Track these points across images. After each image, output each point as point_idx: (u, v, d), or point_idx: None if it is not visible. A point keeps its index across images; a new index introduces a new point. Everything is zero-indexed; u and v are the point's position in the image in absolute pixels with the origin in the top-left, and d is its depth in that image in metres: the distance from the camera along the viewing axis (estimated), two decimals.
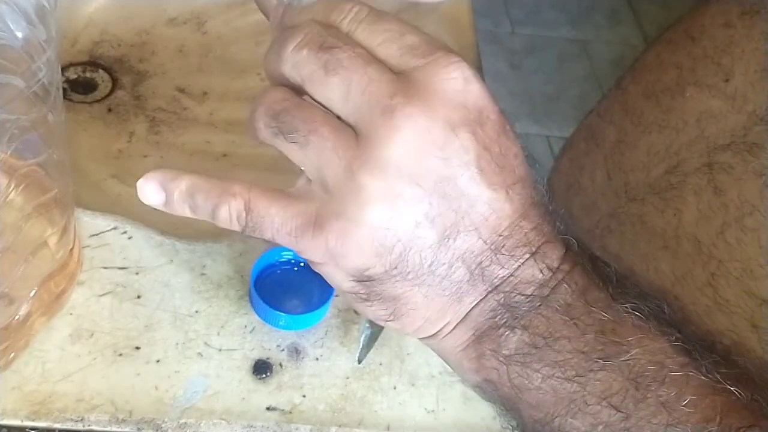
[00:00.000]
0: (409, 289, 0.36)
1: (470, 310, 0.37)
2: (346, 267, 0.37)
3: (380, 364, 0.50)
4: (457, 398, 0.50)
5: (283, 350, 0.50)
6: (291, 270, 0.52)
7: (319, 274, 0.52)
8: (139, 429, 0.46)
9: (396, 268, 0.35)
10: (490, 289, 0.36)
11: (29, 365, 0.47)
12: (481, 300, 0.36)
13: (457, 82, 0.34)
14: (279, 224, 0.37)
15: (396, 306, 0.37)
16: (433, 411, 0.49)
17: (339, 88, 0.35)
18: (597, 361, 0.35)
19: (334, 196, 0.35)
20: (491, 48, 1.84)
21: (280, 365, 0.49)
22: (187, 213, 0.39)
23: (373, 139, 0.34)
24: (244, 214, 0.38)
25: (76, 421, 0.45)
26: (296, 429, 0.47)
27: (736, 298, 0.43)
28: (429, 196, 0.34)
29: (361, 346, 0.49)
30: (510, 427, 0.39)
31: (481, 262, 0.36)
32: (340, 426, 0.48)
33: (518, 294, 0.36)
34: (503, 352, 0.37)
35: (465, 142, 0.34)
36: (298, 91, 0.36)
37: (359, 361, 0.50)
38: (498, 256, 0.36)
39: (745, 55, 0.49)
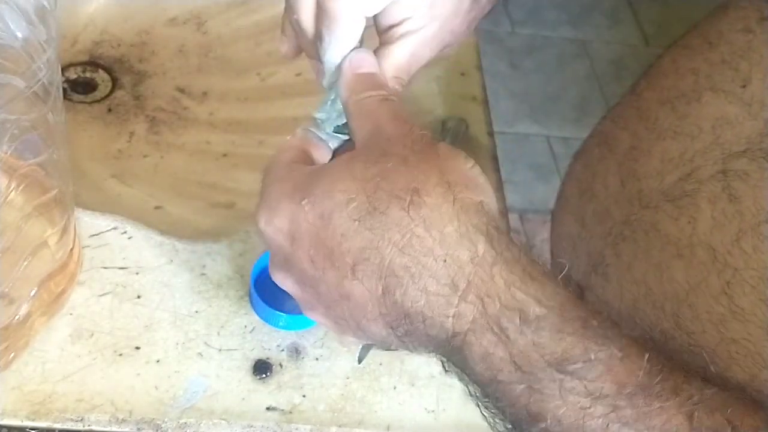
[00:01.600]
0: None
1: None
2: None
3: (380, 364, 0.50)
4: (457, 398, 0.50)
5: (283, 350, 0.50)
6: None
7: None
8: (139, 429, 0.46)
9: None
10: (427, 346, 0.40)
11: (29, 365, 0.47)
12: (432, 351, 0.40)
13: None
14: None
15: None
16: (433, 411, 0.49)
17: None
18: (525, 423, 0.37)
19: None
20: (491, 48, 1.83)
21: (280, 365, 0.49)
22: None
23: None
24: None
25: (76, 421, 0.45)
26: (296, 429, 0.47)
27: (752, 307, 0.42)
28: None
29: (361, 346, 0.49)
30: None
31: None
32: (340, 426, 0.48)
33: (444, 355, 0.39)
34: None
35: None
36: None
37: (359, 361, 0.50)
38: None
39: (764, 61, 0.49)
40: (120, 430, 0.46)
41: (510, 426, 0.38)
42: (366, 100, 0.42)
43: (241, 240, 0.54)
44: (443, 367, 0.40)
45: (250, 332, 0.50)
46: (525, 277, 0.36)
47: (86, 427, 0.45)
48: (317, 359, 0.50)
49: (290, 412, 0.48)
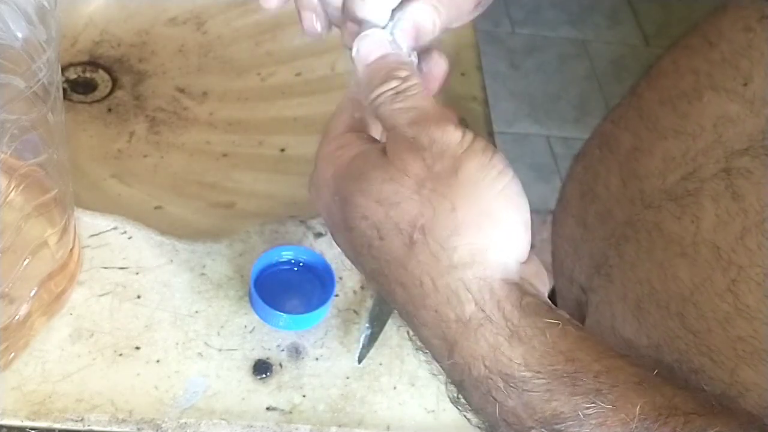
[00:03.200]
0: None
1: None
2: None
3: (380, 364, 0.50)
4: None
5: (283, 350, 0.50)
6: (291, 270, 0.52)
7: (319, 274, 0.52)
8: (139, 429, 0.46)
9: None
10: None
11: (29, 365, 0.47)
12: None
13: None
14: None
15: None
16: (433, 411, 0.49)
17: None
18: None
19: None
20: (491, 48, 1.83)
21: (280, 365, 0.49)
22: None
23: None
24: None
25: (76, 421, 0.45)
26: (296, 429, 0.47)
27: (758, 304, 0.42)
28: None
29: (361, 346, 0.49)
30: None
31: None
32: (340, 426, 0.48)
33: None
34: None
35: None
36: None
37: (359, 361, 0.50)
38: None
39: (765, 59, 0.49)
40: (120, 430, 0.46)
41: None
42: (380, 99, 0.40)
43: (241, 240, 0.54)
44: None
45: (250, 332, 0.50)
46: (513, 340, 0.36)
47: (86, 427, 0.45)
48: (317, 359, 0.50)
49: (290, 412, 0.48)
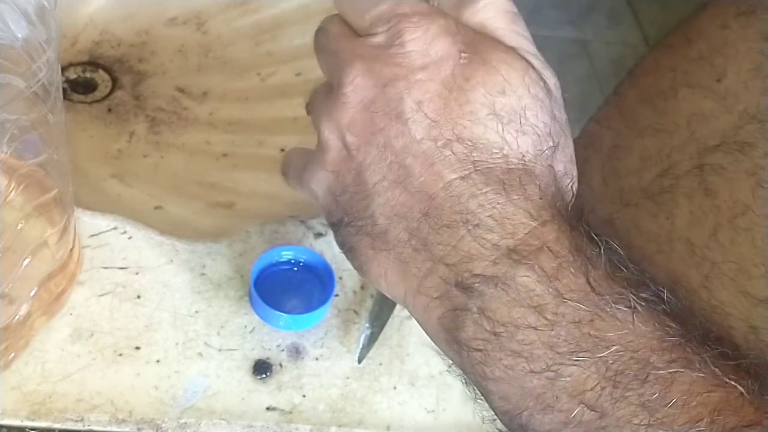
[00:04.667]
0: (358, 240, 0.38)
1: (420, 282, 0.36)
2: (320, 207, 0.41)
3: (380, 364, 0.50)
4: (457, 398, 0.50)
5: (283, 350, 0.50)
6: (291, 270, 0.52)
7: (319, 274, 0.52)
8: (139, 429, 0.46)
9: (348, 215, 0.38)
10: (432, 259, 0.35)
11: (29, 365, 0.47)
12: (427, 272, 0.36)
13: (416, 43, 0.37)
14: None
15: (355, 257, 0.39)
16: (433, 411, 0.49)
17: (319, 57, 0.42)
18: (568, 356, 0.33)
19: None
20: None
21: (280, 365, 0.49)
22: None
23: (332, 97, 0.39)
24: None
25: (76, 421, 0.45)
26: (296, 429, 0.47)
27: (732, 299, 0.43)
28: (365, 146, 0.37)
29: (361, 346, 0.49)
30: (483, 418, 0.38)
31: (417, 227, 0.36)
32: (340, 426, 0.48)
33: (464, 271, 0.35)
34: (461, 335, 0.35)
35: (392, 96, 0.37)
36: None
37: (359, 361, 0.50)
38: (432, 221, 0.35)
39: (739, 55, 0.49)
40: (120, 430, 0.46)
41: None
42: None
43: (241, 240, 0.54)
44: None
45: (250, 332, 0.50)
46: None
47: (86, 427, 0.45)
48: (317, 359, 0.50)
49: (290, 412, 0.48)
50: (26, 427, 0.45)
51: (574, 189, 0.37)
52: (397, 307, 0.51)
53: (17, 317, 0.45)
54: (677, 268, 0.45)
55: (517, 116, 0.36)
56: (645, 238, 0.48)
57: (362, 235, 0.38)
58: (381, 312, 0.50)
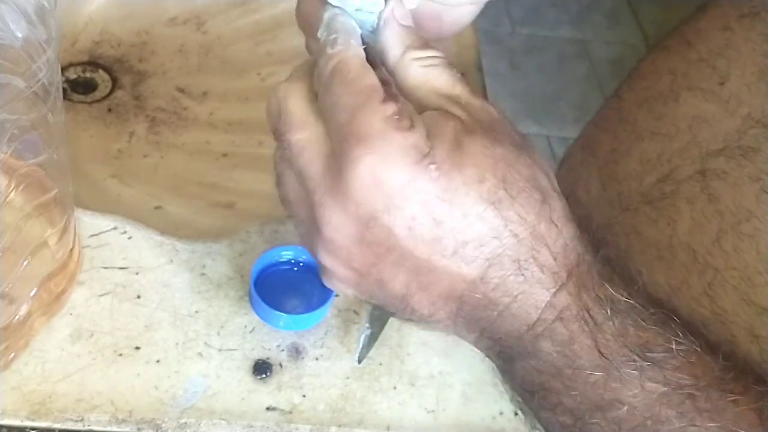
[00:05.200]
0: (407, 320, 0.41)
1: (471, 340, 0.41)
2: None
3: (380, 364, 0.50)
4: (457, 398, 0.50)
5: (283, 350, 0.50)
6: (291, 270, 0.52)
7: (319, 275, 0.52)
8: (139, 429, 0.46)
9: (388, 307, 0.41)
10: (476, 332, 0.39)
11: (29, 365, 0.47)
12: (474, 340, 0.40)
13: (360, 180, 0.36)
14: None
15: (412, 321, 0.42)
16: (433, 411, 0.49)
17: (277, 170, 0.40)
18: (588, 415, 0.38)
19: None
20: (491, 48, 1.83)
21: (280, 365, 0.49)
22: None
23: (316, 233, 0.39)
24: None
25: (76, 421, 0.45)
26: (296, 429, 0.47)
27: (735, 308, 0.43)
28: (375, 268, 0.38)
29: (361, 346, 0.49)
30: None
31: (457, 313, 0.39)
32: (340, 426, 0.48)
33: (504, 345, 0.39)
34: (510, 382, 0.42)
35: (380, 232, 0.37)
36: None
37: (359, 361, 0.50)
38: (467, 309, 0.38)
39: (742, 57, 0.49)
40: (120, 430, 0.46)
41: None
42: (431, 61, 0.38)
43: (241, 240, 0.54)
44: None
45: (250, 332, 0.50)
46: (614, 277, 0.38)
47: (86, 427, 0.45)
48: (317, 359, 0.50)
49: (290, 412, 0.48)
50: (26, 427, 0.45)
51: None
52: None
53: (17, 317, 0.45)
54: (678, 275, 0.45)
55: (503, 191, 0.36)
56: (645, 243, 0.48)
57: (410, 318, 0.41)
58: (381, 312, 0.50)
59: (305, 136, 0.37)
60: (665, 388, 0.36)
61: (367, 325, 0.50)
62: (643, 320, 0.37)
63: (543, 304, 0.37)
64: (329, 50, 0.37)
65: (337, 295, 0.52)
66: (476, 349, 0.42)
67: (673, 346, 0.37)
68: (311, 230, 0.38)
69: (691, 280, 0.45)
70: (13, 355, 0.46)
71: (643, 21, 1.98)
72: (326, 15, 0.38)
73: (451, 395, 0.50)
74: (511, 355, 0.39)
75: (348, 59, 0.37)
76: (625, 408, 0.36)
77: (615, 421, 0.37)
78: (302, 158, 0.37)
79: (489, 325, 0.38)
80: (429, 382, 0.50)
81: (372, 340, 0.50)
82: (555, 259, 0.37)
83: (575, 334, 0.37)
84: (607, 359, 0.37)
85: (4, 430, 0.45)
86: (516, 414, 0.49)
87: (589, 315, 0.37)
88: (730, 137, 0.47)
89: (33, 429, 0.45)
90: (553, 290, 0.37)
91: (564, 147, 1.69)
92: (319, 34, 0.38)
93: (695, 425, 0.36)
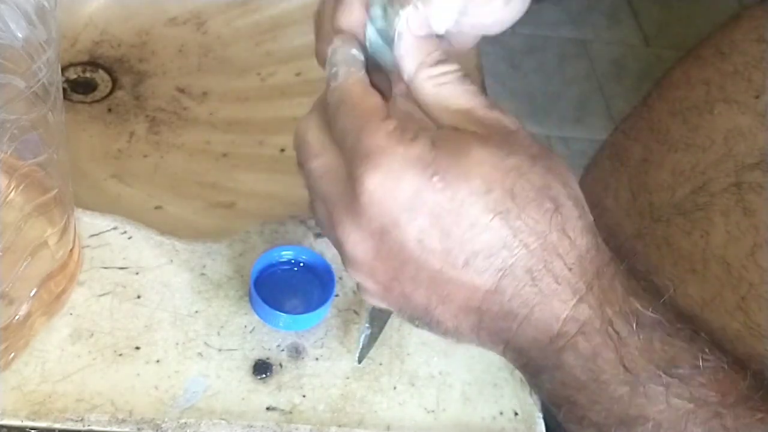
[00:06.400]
0: (433, 331, 0.41)
1: (498, 351, 0.41)
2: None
3: (380, 364, 0.50)
4: (457, 398, 0.50)
5: (283, 350, 0.50)
6: (291, 270, 0.52)
7: (319, 274, 0.52)
8: (139, 429, 0.46)
9: (415, 320, 0.41)
10: (501, 344, 0.39)
11: (29, 365, 0.47)
12: (500, 352, 0.40)
13: (368, 196, 0.37)
14: None
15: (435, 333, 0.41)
16: (433, 411, 0.49)
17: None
18: (616, 427, 0.38)
19: None
20: (491, 48, 1.83)
21: (280, 365, 0.49)
22: None
23: (339, 249, 0.40)
24: None
25: (76, 421, 0.45)
26: (296, 429, 0.47)
27: None
28: (396, 281, 0.39)
29: (361, 346, 0.49)
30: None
31: (479, 324, 0.39)
32: (340, 426, 0.48)
33: (527, 358, 0.39)
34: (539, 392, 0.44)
35: (392, 246, 0.38)
36: None
37: (359, 361, 0.50)
38: (487, 321, 0.39)
39: None
40: (120, 430, 0.46)
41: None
42: (445, 78, 0.39)
43: (241, 240, 0.54)
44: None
45: (250, 332, 0.50)
46: (639, 289, 0.37)
47: (86, 427, 0.45)
48: (317, 359, 0.50)
49: (290, 412, 0.48)
50: (26, 427, 0.45)
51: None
52: None
53: (17, 317, 0.45)
54: (711, 288, 0.45)
55: (511, 202, 0.36)
56: (677, 255, 0.48)
57: (443, 334, 0.41)
58: (381, 312, 0.50)
59: (322, 162, 0.39)
60: (691, 405, 0.36)
61: (367, 325, 0.50)
62: (670, 335, 0.37)
63: (563, 316, 0.37)
64: (333, 83, 0.39)
65: (337, 295, 0.52)
66: (476, 350, 0.42)
67: (700, 363, 0.36)
68: (338, 249, 0.40)
69: (724, 293, 0.44)
70: (13, 355, 0.46)
71: (643, 21, 1.98)
72: (329, 50, 0.40)
73: (451, 395, 0.50)
74: (537, 368, 0.39)
75: (349, 88, 0.38)
76: (651, 424, 0.36)
77: None
78: (322, 183, 0.39)
79: (511, 337, 0.38)
80: (429, 382, 0.50)
81: (372, 340, 0.50)
82: (570, 270, 0.37)
83: (599, 348, 0.37)
84: (632, 374, 0.36)
85: (4, 430, 0.45)
86: (516, 414, 0.49)
87: (613, 329, 0.37)
88: (767, 151, 0.46)
89: (33, 429, 0.45)
90: (572, 303, 0.37)
91: (564, 147, 1.69)
92: (325, 70, 0.40)
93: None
